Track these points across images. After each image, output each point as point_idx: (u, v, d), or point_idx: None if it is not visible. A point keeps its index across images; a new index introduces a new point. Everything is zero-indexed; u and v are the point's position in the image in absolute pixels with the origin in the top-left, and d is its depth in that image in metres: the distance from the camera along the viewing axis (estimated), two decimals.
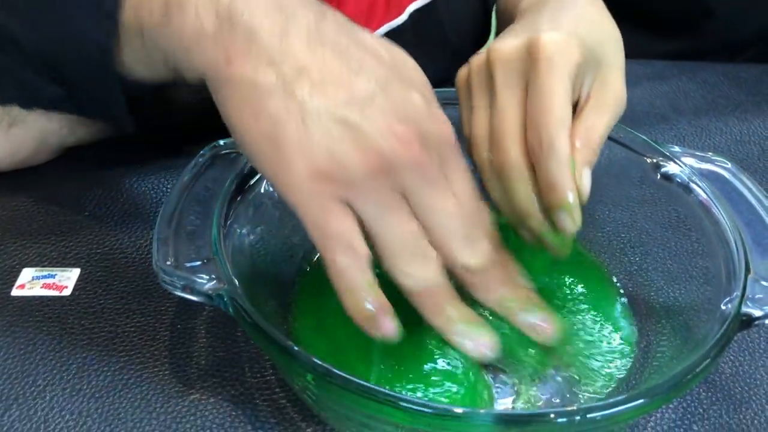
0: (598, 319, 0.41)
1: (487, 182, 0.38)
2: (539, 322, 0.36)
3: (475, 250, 0.33)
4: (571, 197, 0.35)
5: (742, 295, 0.33)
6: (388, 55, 0.33)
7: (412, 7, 0.57)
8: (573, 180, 0.35)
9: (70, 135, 0.50)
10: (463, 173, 0.34)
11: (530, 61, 0.36)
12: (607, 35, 0.41)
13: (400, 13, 0.56)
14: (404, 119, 0.32)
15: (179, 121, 0.50)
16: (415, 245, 0.32)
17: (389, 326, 0.33)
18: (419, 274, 0.32)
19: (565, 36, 0.37)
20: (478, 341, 0.34)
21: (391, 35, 0.55)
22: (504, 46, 0.38)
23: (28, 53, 0.36)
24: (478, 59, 0.40)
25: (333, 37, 0.32)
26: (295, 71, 0.31)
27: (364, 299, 0.32)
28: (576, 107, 0.38)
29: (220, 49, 0.31)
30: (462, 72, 0.41)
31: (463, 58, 0.45)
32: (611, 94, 0.39)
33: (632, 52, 0.60)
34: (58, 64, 0.36)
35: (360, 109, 0.31)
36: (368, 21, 0.55)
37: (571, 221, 0.36)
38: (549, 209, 0.36)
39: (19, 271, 0.43)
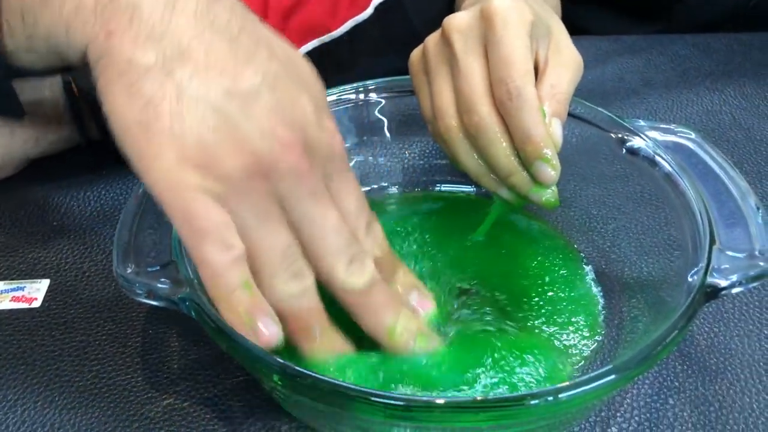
0: (569, 297, 0.41)
1: (455, 149, 0.38)
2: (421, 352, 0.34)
3: (355, 270, 0.32)
4: (546, 144, 0.35)
5: (707, 266, 0.33)
6: (282, 52, 0.32)
7: (377, 1, 0.56)
8: (546, 128, 0.36)
9: (34, 147, 0.49)
10: (352, 187, 0.33)
11: (486, 25, 0.37)
12: (548, 7, 0.43)
13: (365, 8, 0.55)
14: (289, 123, 0.30)
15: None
16: (289, 260, 0.30)
17: (270, 333, 0.30)
18: (290, 291, 0.30)
19: (516, 0, 0.37)
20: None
21: (356, 30, 0.55)
22: (458, 17, 0.38)
23: None
24: (433, 36, 0.40)
25: (224, 21, 0.30)
26: (177, 51, 0.29)
27: (239, 303, 0.30)
28: (536, 72, 0.38)
29: (100, 22, 0.29)
30: (415, 53, 0.41)
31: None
32: (566, 54, 0.39)
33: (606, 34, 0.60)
34: None
35: (242, 103, 0.29)
36: (333, 15, 0.54)
37: (551, 169, 0.36)
38: (527, 162, 0.36)
39: None
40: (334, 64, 0.54)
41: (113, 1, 0.29)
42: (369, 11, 0.55)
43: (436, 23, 0.63)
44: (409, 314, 0.34)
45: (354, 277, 0.31)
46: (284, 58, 0.32)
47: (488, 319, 0.39)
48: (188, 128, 0.28)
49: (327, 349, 0.32)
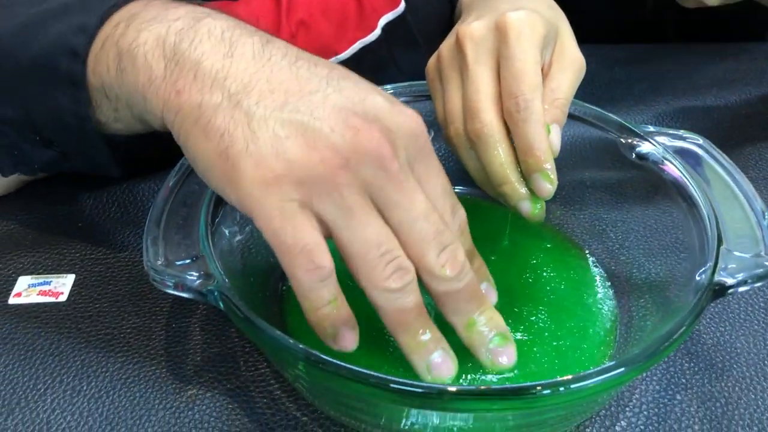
0: (580, 299, 0.42)
1: (462, 154, 0.40)
2: (500, 357, 0.34)
3: (447, 259, 0.31)
4: (547, 159, 0.37)
5: (715, 265, 0.34)
6: (341, 68, 0.33)
7: (383, 21, 0.56)
8: (548, 144, 0.37)
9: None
10: (436, 171, 0.32)
11: (500, 37, 0.38)
12: (556, 9, 0.44)
13: (373, 29, 0.55)
14: (361, 113, 0.30)
15: (162, 146, 0.50)
16: (385, 252, 0.30)
17: (348, 341, 0.32)
18: (393, 287, 0.30)
19: (529, 12, 0.39)
20: (440, 370, 0.33)
21: (365, 51, 0.55)
22: (472, 26, 0.39)
23: (19, 129, 0.38)
24: (447, 43, 0.41)
25: (280, 55, 0.32)
26: (241, 86, 0.30)
27: (325, 318, 0.31)
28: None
29: (170, 85, 0.31)
30: (432, 60, 0.43)
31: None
32: (569, 56, 0.41)
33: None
34: (46, 134, 0.38)
35: (310, 107, 0.30)
36: (340, 38, 0.54)
37: (549, 183, 0.37)
38: (526, 173, 0.38)
39: (15, 280, 0.44)
40: None
41: (179, 64, 0.31)
42: (377, 32, 0.55)
43: (437, 38, 0.64)
44: (492, 310, 0.34)
45: (447, 266, 0.31)
46: (344, 71, 0.33)
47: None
48: (262, 144, 0.29)
49: (432, 348, 0.32)
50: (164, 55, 0.32)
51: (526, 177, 0.38)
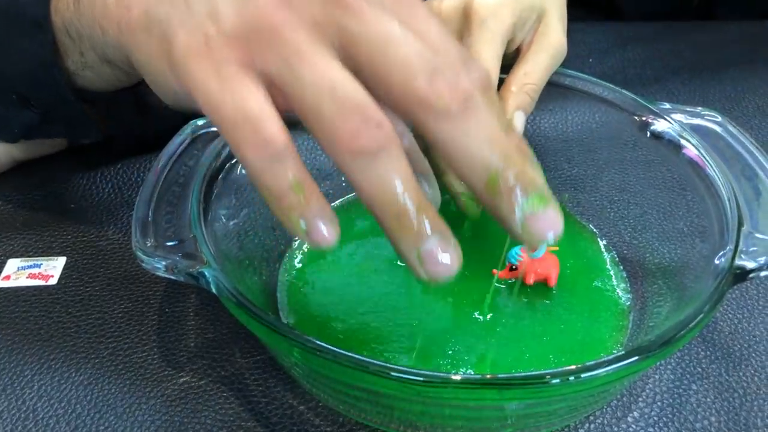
0: (591, 284, 0.40)
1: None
2: (540, 225, 0.25)
3: (447, 84, 0.23)
4: None
5: (736, 248, 0.32)
6: None
7: None
8: None
9: (19, 147, 0.48)
10: (424, 14, 0.25)
11: (464, 22, 0.37)
12: None
13: None
14: None
15: (156, 126, 0.49)
16: (343, 97, 0.23)
17: (323, 236, 0.25)
18: (362, 147, 0.23)
19: (501, 2, 0.37)
20: (435, 263, 0.25)
21: None
22: (443, 4, 0.38)
23: None
24: None
25: None
26: None
27: (291, 209, 0.25)
28: (519, 54, 0.39)
29: (122, 6, 0.29)
30: None
31: None
32: (548, 40, 0.39)
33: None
34: (16, 87, 0.36)
35: None
36: None
37: None
38: None
39: (4, 262, 0.43)
40: None
41: None
42: None
43: None
44: (524, 160, 0.25)
45: (446, 93, 0.23)
46: None
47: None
48: (196, 12, 0.25)
49: (420, 230, 0.24)
50: None
51: None
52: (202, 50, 0.25)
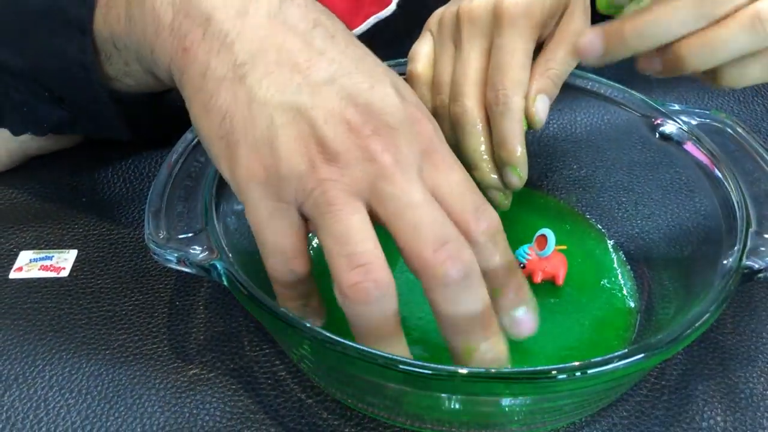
0: (599, 283, 0.40)
1: (443, 125, 0.39)
2: (524, 322, 0.32)
3: (450, 255, 0.28)
4: (518, 155, 0.37)
5: (743, 249, 0.33)
6: (360, 45, 0.31)
7: None
8: (523, 139, 0.37)
9: (32, 143, 0.49)
10: (449, 166, 0.30)
11: (495, 21, 0.37)
12: None
13: (388, 3, 0.53)
14: (363, 105, 0.28)
15: (169, 122, 0.49)
16: (352, 252, 0.27)
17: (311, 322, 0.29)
18: (354, 295, 0.27)
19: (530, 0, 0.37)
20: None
21: (380, 26, 0.53)
22: (473, 4, 0.38)
23: (28, 83, 0.37)
24: (449, 11, 0.40)
25: (296, 18, 0.30)
26: (249, 55, 0.28)
27: (293, 308, 0.31)
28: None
29: (177, 38, 0.30)
30: (435, 16, 0.42)
31: None
32: (572, 29, 0.39)
33: None
34: (50, 85, 0.37)
35: (312, 92, 0.28)
36: (356, 12, 0.52)
37: (517, 178, 0.38)
38: (499, 164, 0.38)
39: (16, 254, 0.43)
40: None
41: (188, 16, 0.30)
42: (392, 7, 0.53)
43: None
44: (500, 338, 0.30)
45: (448, 263, 0.27)
46: (362, 49, 0.31)
47: None
48: (258, 133, 0.28)
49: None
50: (173, 4, 0.30)
51: (498, 166, 0.38)
52: (257, 179, 0.28)
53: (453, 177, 0.29)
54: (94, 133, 0.46)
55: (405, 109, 0.29)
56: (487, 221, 0.29)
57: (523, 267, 0.39)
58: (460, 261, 0.27)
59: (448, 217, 0.28)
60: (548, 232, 0.39)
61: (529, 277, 0.39)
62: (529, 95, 0.37)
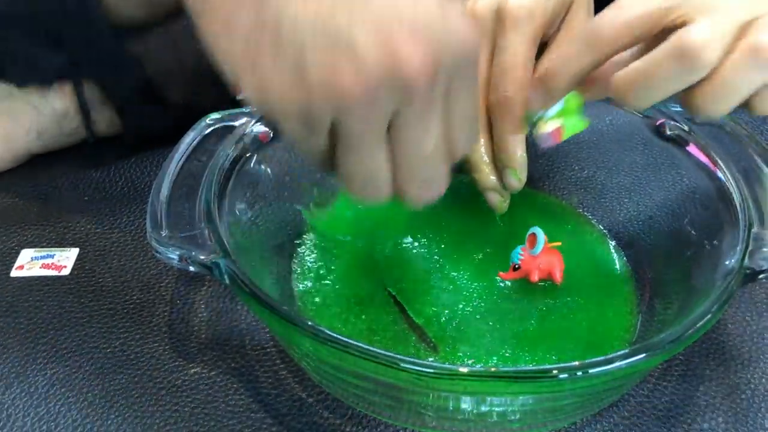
0: (601, 284, 0.40)
1: None
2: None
3: (430, 194, 0.30)
4: (518, 157, 0.37)
5: (745, 250, 0.33)
6: None
7: None
8: (523, 142, 0.37)
9: (36, 141, 0.49)
10: (468, 94, 0.28)
11: (498, 25, 0.37)
12: None
13: None
14: (409, 22, 0.25)
15: (170, 122, 0.49)
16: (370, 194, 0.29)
17: None
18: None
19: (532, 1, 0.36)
20: None
21: None
22: (476, 5, 0.38)
23: (21, 25, 0.36)
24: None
25: None
26: None
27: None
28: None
29: None
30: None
31: None
32: (576, 26, 0.38)
33: None
34: (48, 26, 0.36)
35: (350, 9, 0.25)
36: None
37: (517, 180, 0.38)
38: (500, 165, 0.38)
39: (18, 252, 0.43)
40: None
41: None
42: None
43: None
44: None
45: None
46: None
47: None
48: (288, 57, 0.25)
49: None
50: None
51: (499, 167, 0.38)
52: (291, 101, 0.26)
53: (468, 105, 0.29)
54: (100, 78, 0.44)
55: (455, 25, 0.27)
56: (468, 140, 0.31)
57: (519, 268, 0.39)
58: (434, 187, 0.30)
59: None
60: (537, 230, 0.39)
61: (527, 278, 0.39)
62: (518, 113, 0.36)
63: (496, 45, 0.37)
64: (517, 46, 0.36)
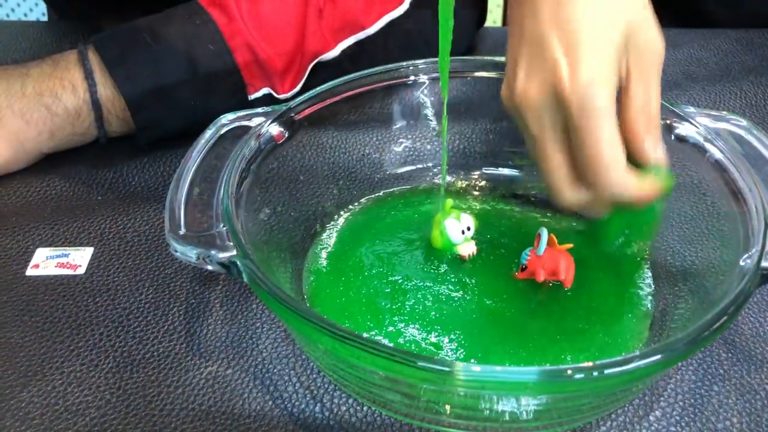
0: (615, 286, 0.40)
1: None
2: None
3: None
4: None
5: (762, 250, 0.33)
6: None
7: None
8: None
9: (48, 141, 0.49)
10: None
11: (562, 109, 0.33)
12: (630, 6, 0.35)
13: (401, 2, 0.53)
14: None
15: (182, 123, 0.49)
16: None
17: None
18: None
19: (593, 66, 0.33)
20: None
21: (393, 25, 0.53)
22: (529, 92, 0.34)
23: None
24: (505, 93, 0.36)
25: None
26: None
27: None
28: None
29: None
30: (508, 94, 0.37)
31: (464, 28, 0.47)
32: (647, 54, 0.34)
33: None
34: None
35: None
36: (368, 11, 0.52)
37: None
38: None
39: (33, 251, 0.43)
40: (367, 61, 0.52)
41: None
42: (405, 6, 0.53)
43: (468, 12, 0.61)
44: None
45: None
46: None
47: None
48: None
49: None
50: None
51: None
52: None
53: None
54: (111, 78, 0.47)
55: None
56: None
57: (525, 268, 0.39)
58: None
59: None
60: (542, 231, 0.39)
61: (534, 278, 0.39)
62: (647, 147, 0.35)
63: (571, 135, 0.34)
64: (594, 130, 0.33)
